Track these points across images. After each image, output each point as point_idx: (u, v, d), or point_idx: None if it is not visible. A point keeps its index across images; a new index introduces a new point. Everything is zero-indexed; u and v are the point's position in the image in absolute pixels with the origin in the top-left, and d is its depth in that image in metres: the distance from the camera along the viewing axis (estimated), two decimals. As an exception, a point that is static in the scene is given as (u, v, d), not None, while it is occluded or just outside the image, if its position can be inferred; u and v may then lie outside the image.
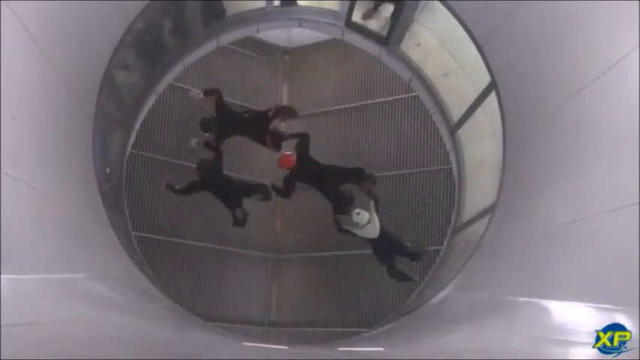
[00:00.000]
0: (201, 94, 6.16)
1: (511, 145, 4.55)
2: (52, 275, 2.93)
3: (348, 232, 5.98)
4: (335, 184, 6.11)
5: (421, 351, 3.96)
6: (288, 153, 6.02)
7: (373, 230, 5.82)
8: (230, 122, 6.13)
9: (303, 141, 6.06)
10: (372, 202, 5.87)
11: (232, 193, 6.21)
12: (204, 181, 6.09)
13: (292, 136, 6.19)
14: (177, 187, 6.27)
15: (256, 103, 7.94)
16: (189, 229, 7.29)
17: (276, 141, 6.16)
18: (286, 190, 6.21)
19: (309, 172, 6.05)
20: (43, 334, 2.36)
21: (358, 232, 5.85)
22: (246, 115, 6.21)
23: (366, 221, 5.72)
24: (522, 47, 4.01)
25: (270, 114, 6.08)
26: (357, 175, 6.18)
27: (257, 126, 6.12)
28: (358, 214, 5.70)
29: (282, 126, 6.44)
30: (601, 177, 2.86)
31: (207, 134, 6.16)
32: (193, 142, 6.41)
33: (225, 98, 6.66)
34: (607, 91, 2.86)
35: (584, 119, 3.14)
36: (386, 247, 6.04)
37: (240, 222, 6.38)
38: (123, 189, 6.74)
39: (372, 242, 6.01)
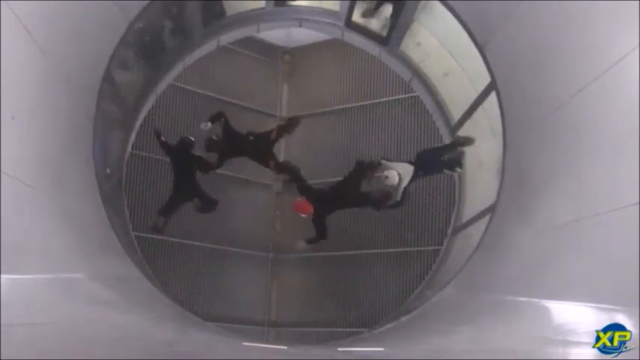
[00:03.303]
0: (209, 124, 6.06)
1: (511, 145, 4.55)
2: (51, 275, 2.93)
3: (401, 195, 5.86)
4: (354, 192, 5.99)
5: (421, 351, 3.96)
6: (300, 199, 5.81)
7: (406, 171, 5.76)
8: (235, 145, 6.12)
9: (295, 179, 6.12)
10: (381, 161, 5.92)
11: (184, 186, 6.15)
12: (174, 153, 6.10)
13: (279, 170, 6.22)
14: (161, 138, 6.22)
15: (256, 103, 7.97)
16: (189, 229, 7.28)
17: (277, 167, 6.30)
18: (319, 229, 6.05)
19: (328, 200, 5.91)
20: (43, 334, 2.36)
21: (404, 184, 5.75)
22: (251, 137, 6.12)
23: (397, 177, 5.67)
24: (522, 47, 4.01)
25: (273, 136, 6.13)
26: (363, 168, 6.15)
27: (261, 149, 6.16)
28: (387, 177, 5.65)
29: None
30: (601, 177, 2.86)
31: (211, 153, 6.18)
32: (205, 126, 6.17)
33: (225, 98, 6.65)
34: (607, 91, 2.86)
35: (584, 119, 3.14)
36: (427, 163, 6.00)
37: (155, 228, 6.43)
38: (123, 189, 6.74)
39: (417, 174, 5.89)
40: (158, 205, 7.11)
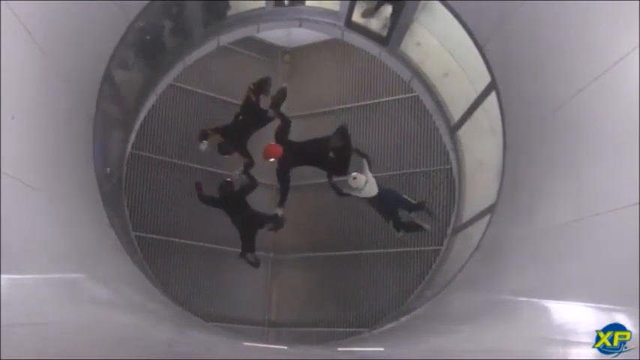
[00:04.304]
0: (205, 142, 6.21)
1: (511, 145, 4.55)
2: (52, 275, 2.93)
3: (348, 194, 6.02)
4: (324, 154, 6.07)
5: (421, 351, 3.96)
6: (272, 143, 5.99)
7: (371, 189, 5.88)
8: (237, 133, 6.22)
9: (284, 127, 6.08)
10: (364, 162, 5.95)
11: (245, 220, 6.24)
12: (222, 201, 6.16)
13: (275, 112, 6.17)
14: (203, 192, 6.26)
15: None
16: (189, 229, 7.28)
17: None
18: (284, 185, 6.20)
19: (295, 154, 6.04)
20: (43, 334, 2.36)
21: (358, 194, 5.91)
22: (240, 117, 6.25)
23: (364, 183, 5.78)
24: (522, 47, 4.01)
25: (253, 98, 6.17)
26: (342, 137, 6.15)
27: (255, 116, 6.22)
28: (355, 178, 5.78)
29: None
30: (601, 177, 2.86)
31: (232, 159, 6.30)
32: (202, 146, 6.33)
33: (225, 98, 6.65)
34: (607, 91, 2.86)
35: (584, 119, 3.14)
36: (387, 202, 6.08)
37: (254, 264, 6.54)
38: (123, 189, 6.74)
39: (373, 201, 6.04)
40: (158, 205, 7.15)
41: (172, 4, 6.37)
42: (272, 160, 5.98)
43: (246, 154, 6.31)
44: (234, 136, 6.20)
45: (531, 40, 3.81)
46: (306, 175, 7.05)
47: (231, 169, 6.51)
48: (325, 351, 5.22)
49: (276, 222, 6.34)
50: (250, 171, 6.33)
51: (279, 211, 6.25)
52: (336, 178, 6.23)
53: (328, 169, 6.17)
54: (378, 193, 5.93)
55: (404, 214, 6.24)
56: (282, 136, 6.04)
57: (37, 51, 3.07)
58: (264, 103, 6.29)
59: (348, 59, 8.01)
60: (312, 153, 6.08)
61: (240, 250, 6.39)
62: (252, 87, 6.27)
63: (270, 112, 6.23)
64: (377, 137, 7.72)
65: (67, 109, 3.85)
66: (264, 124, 6.34)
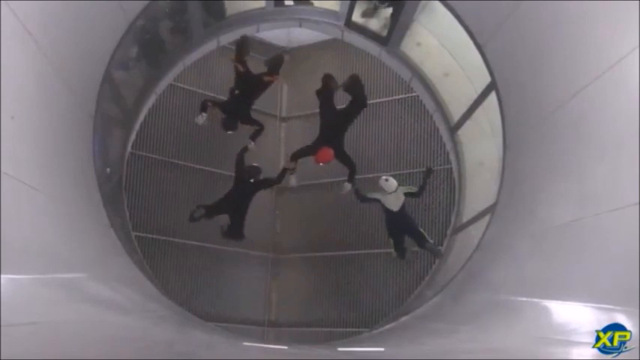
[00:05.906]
0: (204, 114, 6.19)
1: (511, 145, 4.55)
2: (52, 275, 2.93)
3: (369, 200, 6.05)
4: (333, 109, 6.15)
5: (421, 351, 3.96)
6: (319, 152, 5.93)
7: (395, 202, 5.89)
8: (239, 105, 6.22)
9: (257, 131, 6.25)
10: (409, 188, 6.03)
11: (238, 205, 6.22)
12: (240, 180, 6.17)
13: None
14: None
15: (256, 102, 7.95)
16: (189, 229, 7.28)
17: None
18: (347, 162, 6.18)
19: (329, 135, 6.04)
20: (43, 334, 2.36)
21: (380, 197, 5.92)
22: (236, 92, 6.21)
23: (393, 189, 5.80)
24: (522, 47, 4.01)
25: (242, 68, 6.11)
26: (328, 84, 6.20)
27: (252, 85, 6.20)
28: (387, 180, 5.83)
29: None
30: (601, 177, 2.86)
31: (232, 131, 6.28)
32: (200, 119, 6.30)
33: (225, 98, 6.62)
34: (607, 91, 2.86)
35: (584, 119, 3.14)
36: (401, 225, 6.08)
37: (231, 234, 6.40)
38: (123, 189, 6.74)
39: (389, 214, 6.03)
40: (158, 205, 7.15)
41: (173, 4, 6.36)
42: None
43: (253, 121, 6.31)
44: (235, 109, 6.19)
45: (531, 40, 3.80)
46: (306, 176, 7.05)
47: (231, 170, 6.49)
48: (325, 351, 5.22)
49: (234, 230, 6.27)
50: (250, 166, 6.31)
51: (348, 187, 6.17)
52: (359, 176, 6.21)
53: (356, 113, 6.21)
54: (399, 211, 5.95)
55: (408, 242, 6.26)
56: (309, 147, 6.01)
57: (37, 51, 3.07)
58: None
59: (348, 59, 8.01)
60: (335, 118, 6.11)
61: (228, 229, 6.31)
62: (233, 57, 6.19)
63: (266, 77, 6.23)
64: (377, 137, 7.72)
65: (67, 109, 3.85)
66: (263, 89, 6.29)
